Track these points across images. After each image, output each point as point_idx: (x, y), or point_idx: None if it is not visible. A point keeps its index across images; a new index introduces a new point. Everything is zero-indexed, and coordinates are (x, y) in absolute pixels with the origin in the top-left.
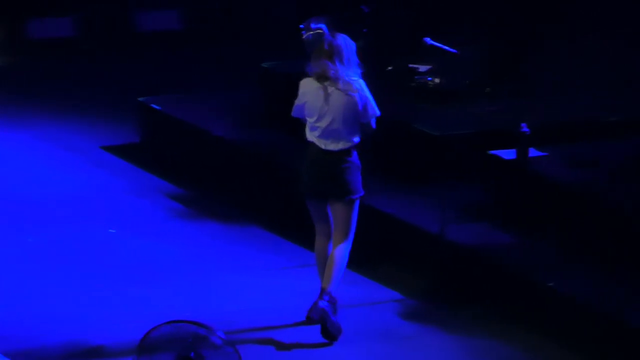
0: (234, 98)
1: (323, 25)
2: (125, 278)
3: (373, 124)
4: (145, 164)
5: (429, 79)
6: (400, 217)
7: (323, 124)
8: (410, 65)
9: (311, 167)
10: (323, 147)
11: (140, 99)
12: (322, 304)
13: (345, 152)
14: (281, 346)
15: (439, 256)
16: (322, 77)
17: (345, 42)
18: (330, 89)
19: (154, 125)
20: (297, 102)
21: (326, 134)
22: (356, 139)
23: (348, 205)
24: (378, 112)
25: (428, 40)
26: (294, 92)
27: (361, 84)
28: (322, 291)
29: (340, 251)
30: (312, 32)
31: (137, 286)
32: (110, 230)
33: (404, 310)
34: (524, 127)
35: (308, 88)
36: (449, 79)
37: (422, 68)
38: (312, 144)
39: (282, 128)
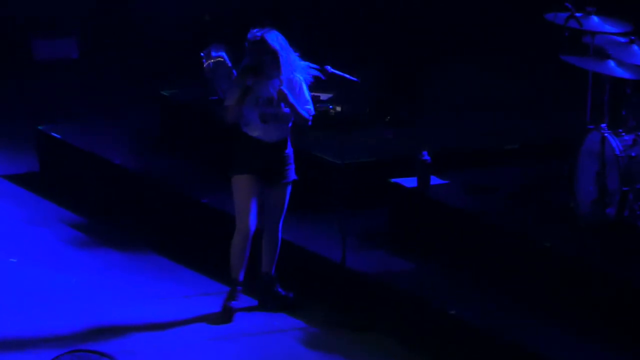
0: (133, 125)
1: (223, 53)
2: (25, 307)
3: None
4: (45, 192)
5: (330, 107)
6: (301, 245)
7: None
8: (311, 94)
9: None
10: None
11: (40, 127)
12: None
13: None
14: None
15: (340, 283)
16: None
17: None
18: None
19: (54, 153)
20: None
21: None
22: None
23: None
24: None
25: (329, 68)
26: (192, 118)
27: None
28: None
29: None
30: (212, 60)
31: (37, 315)
32: (10, 260)
33: (305, 338)
34: (425, 155)
35: None
36: (349, 107)
37: (323, 96)
38: None
39: (181, 155)
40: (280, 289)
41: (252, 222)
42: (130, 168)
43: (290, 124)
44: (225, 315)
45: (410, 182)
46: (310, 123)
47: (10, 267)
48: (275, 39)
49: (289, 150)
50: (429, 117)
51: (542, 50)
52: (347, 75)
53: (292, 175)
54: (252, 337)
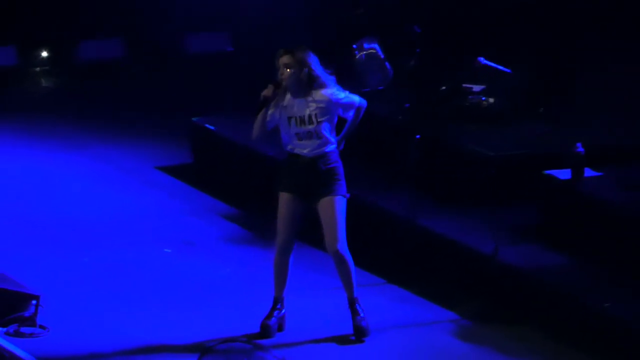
0: None
1: (376, 45)
2: (179, 297)
3: None
4: (199, 184)
5: (483, 98)
6: (453, 238)
7: None
8: (464, 85)
9: None
10: None
11: (194, 119)
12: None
13: None
14: None
15: (492, 277)
16: None
17: None
18: None
19: (207, 145)
20: None
21: None
22: None
23: None
24: None
25: (482, 60)
26: None
27: None
28: None
29: None
30: (364, 52)
31: (191, 305)
32: (165, 250)
33: (458, 330)
34: (579, 147)
35: None
36: (502, 99)
37: (476, 88)
38: None
39: None
40: (357, 318)
41: (289, 240)
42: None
43: (333, 139)
44: (262, 332)
45: (564, 174)
46: (364, 105)
47: (165, 258)
48: (307, 55)
49: (334, 164)
50: (582, 111)
51: None
52: (500, 67)
53: (339, 190)
54: (405, 329)
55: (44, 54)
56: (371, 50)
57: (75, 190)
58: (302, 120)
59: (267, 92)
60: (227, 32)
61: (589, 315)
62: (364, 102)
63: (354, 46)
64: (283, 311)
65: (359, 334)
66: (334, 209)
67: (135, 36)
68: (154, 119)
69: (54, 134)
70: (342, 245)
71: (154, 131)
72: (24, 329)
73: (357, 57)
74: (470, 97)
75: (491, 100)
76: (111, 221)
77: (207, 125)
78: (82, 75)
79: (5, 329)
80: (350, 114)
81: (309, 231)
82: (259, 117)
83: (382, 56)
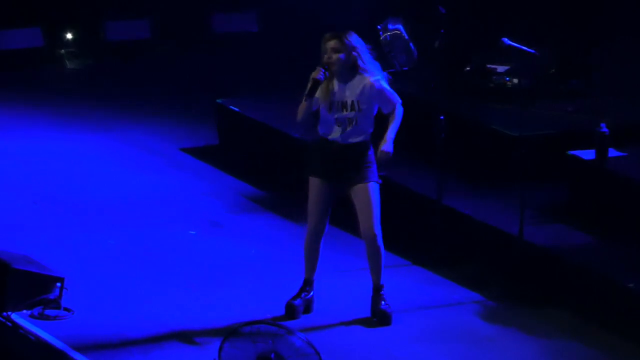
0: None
1: (400, 26)
2: (204, 279)
3: None
4: (224, 165)
5: (507, 79)
6: (478, 218)
7: None
8: (489, 66)
9: None
10: None
11: (219, 100)
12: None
13: None
14: (360, 346)
15: (518, 257)
16: None
17: None
18: None
19: (232, 126)
20: None
21: None
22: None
23: None
24: None
25: (506, 40)
26: None
27: None
28: None
29: None
30: (389, 33)
31: (217, 287)
32: (190, 232)
33: (483, 311)
34: (603, 127)
35: None
36: (527, 80)
37: (500, 68)
38: None
39: None
40: (382, 304)
41: (320, 224)
42: (308, 141)
43: (370, 129)
44: (287, 313)
45: (588, 154)
46: (401, 112)
47: (190, 239)
48: (355, 39)
49: (365, 150)
50: (606, 90)
51: None
52: (525, 47)
53: (372, 176)
54: (431, 310)
55: (70, 35)
56: (396, 31)
57: (100, 172)
58: (344, 106)
59: (315, 74)
60: (254, 12)
61: (616, 295)
62: (401, 106)
63: (379, 27)
64: (311, 293)
65: (384, 320)
66: (369, 195)
67: (162, 17)
68: (179, 100)
69: (79, 116)
70: (378, 231)
71: (180, 112)
72: (48, 312)
73: (381, 37)
74: (494, 77)
75: (515, 80)
76: (136, 203)
77: (232, 107)
78: (108, 57)
79: (30, 312)
80: (389, 109)
81: (334, 212)
82: (306, 95)
83: (406, 37)
